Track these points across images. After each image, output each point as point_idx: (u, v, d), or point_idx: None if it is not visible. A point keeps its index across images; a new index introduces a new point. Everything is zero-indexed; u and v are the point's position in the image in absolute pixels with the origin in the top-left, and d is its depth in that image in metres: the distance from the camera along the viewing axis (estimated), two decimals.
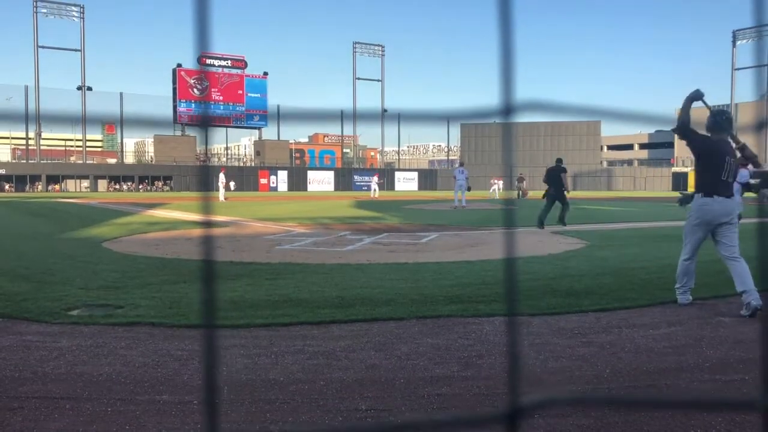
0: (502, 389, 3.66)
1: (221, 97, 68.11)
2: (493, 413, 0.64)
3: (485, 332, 4.96)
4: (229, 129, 72.09)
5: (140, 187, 61.43)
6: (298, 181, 67.87)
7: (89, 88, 63.85)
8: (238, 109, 69.37)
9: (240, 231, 14.44)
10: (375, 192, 42.55)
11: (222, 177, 35.76)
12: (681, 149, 69.21)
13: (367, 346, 4.59)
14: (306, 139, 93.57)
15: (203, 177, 0.66)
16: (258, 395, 3.59)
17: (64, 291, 6.53)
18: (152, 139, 74.20)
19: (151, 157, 72.70)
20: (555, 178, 15.10)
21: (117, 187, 61.05)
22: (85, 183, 59.79)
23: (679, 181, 70.73)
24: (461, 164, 28.04)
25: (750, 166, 9.70)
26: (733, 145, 6.02)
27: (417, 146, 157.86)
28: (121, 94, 64.09)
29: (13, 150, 73.71)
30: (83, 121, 57.73)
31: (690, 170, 64.63)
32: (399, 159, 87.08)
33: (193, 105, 65.26)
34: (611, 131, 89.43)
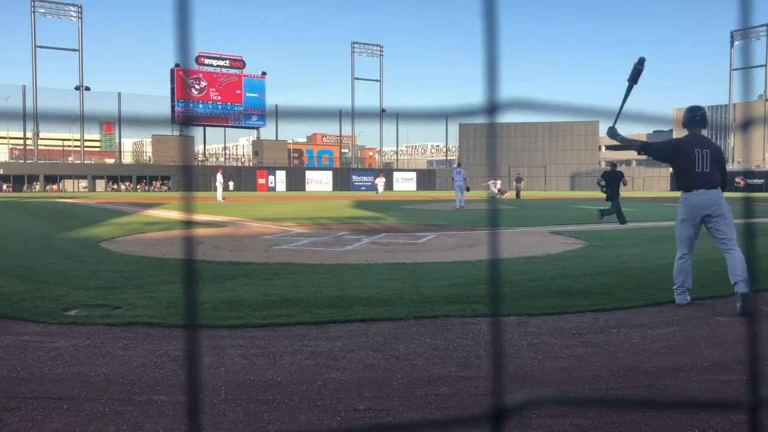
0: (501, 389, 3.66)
1: (219, 97, 68.06)
2: (474, 414, 0.64)
3: (483, 332, 4.95)
4: (227, 129, 72.05)
5: (138, 187, 61.39)
6: (296, 181, 67.88)
7: (87, 88, 63.83)
8: (236, 109, 69.36)
9: (238, 231, 14.43)
10: (380, 191, 43.55)
11: (220, 177, 35.64)
12: None
13: (365, 347, 4.58)
14: (304, 139, 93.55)
15: (187, 177, 0.65)
16: (256, 395, 3.58)
17: (62, 291, 6.52)
18: (150, 139, 74.15)
19: (149, 157, 72.69)
20: (615, 180, 17.01)
21: (115, 187, 61.01)
22: (83, 183, 59.74)
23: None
24: (459, 165, 28.12)
25: None
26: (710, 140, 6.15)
27: (415, 146, 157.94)
28: (119, 94, 64.12)
29: (11, 150, 73.54)
30: (81, 121, 57.73)
31: None
32: (397, 159, 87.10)
33: (190, 104, 65.25)
34: None
